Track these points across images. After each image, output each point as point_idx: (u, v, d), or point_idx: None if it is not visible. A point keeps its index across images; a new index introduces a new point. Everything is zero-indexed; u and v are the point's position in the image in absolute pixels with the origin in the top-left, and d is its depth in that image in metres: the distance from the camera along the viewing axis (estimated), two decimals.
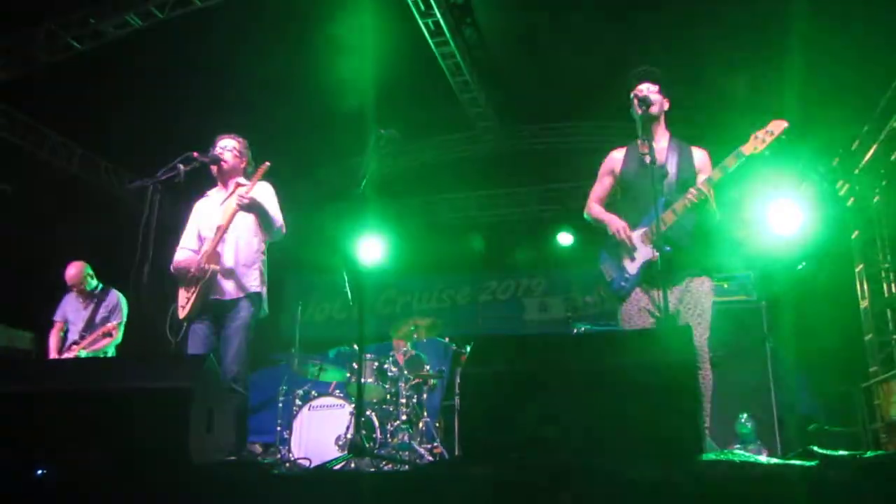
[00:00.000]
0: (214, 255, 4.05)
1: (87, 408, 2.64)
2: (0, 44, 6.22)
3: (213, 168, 4.25)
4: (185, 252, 4.22)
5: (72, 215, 6.79)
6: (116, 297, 5.92)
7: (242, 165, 4.31)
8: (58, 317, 5.96)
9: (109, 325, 5.67)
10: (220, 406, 2.81)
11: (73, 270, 5.86)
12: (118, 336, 5.75)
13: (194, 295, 4.01)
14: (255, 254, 4.19)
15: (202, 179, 4.34)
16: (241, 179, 4.26)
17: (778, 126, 3.46)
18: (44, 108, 7.12)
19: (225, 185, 4.31)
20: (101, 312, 5.81)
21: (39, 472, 2.55)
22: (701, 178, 3.68)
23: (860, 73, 6.07)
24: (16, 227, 6.16)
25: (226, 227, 4.08)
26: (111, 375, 2.76)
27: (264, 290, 4.19)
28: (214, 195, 4.37)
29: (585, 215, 3.99)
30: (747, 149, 3.47)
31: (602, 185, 3.95)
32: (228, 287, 4.06)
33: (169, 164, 3.83)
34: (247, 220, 4.17)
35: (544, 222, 9.09)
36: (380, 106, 6.62)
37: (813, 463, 1.95)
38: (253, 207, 4.00)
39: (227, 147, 4.28)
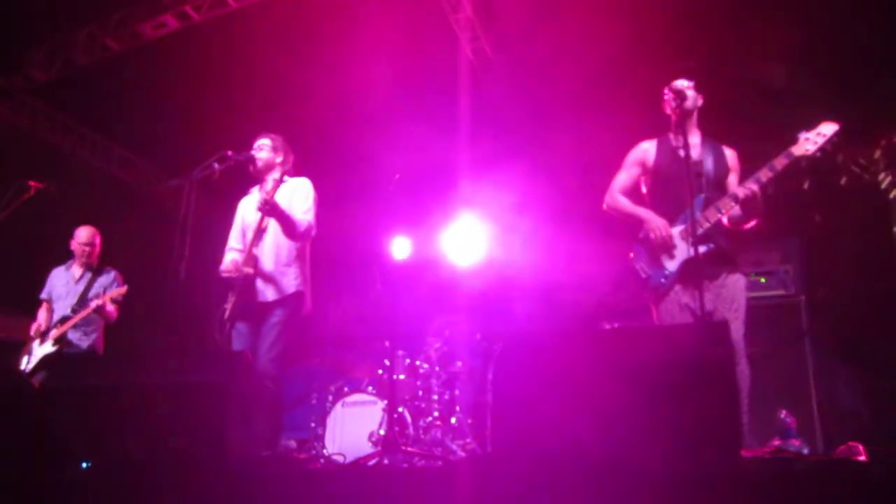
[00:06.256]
0: (251, 258, 4.07)
1: (127, 401, 2.70)
2: (43, 46, 6.39)
3: (251, 167, 4.29)
4: (231, 253, 4.28)
5: (111, 214, 6.92)
6: (114, 274, 5.58)
7: (278, 161, 4.32)
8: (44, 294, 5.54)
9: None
10: (255, 401, 2.85)
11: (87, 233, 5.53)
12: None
13: (235, 296, 4.05)
14: (293, 254, 4.18)
15: (243, 177, 4.38)
16: (277, 174, 4.24)
17: (829, 128, 3.40)
18: (83, 107, 7.29)
19: (262, 182, 4.35)
20: (96, 289, 5.35)
21: (84, 464, 2.62)
22: (732, 177, 3.69)
23: None
24: (58, 225, 6.28)
25: (258, 230, 4.10)
26: (151, 369, 2.81)
27: (305, 289, 4.18)
28: (255, 193, 4.41)
29: (608, 206, 3.91)
30: (797, 150, 3.42)
31: (629, 175, 3.87)
32: (268, 290, 4.07)
33: (204, 162, 3.90)
34: None
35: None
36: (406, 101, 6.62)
37: (860, 459, 1.90)
38: (273, 213, 3.98)
39: (261, 146, 4.32)
